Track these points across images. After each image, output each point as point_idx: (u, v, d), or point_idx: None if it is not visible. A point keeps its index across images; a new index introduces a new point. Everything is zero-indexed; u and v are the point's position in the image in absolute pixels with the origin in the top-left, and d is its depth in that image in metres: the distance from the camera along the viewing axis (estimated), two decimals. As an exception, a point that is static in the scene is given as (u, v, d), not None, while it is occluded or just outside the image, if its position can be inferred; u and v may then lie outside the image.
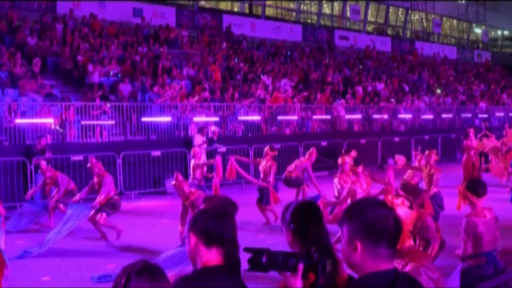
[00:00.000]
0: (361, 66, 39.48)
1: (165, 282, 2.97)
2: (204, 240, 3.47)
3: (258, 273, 3.13)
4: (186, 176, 20.86)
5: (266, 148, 15.67)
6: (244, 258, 3.24)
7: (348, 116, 28.95)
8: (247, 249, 3.15)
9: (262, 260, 3.07)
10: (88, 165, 13.85)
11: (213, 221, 3.52)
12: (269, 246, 3.25)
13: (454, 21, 60.20)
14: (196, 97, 24.08)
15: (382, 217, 2.97)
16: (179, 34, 31.35)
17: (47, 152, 17.87)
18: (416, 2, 53.32)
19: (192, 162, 16.28)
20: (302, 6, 46.67)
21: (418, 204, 9.94)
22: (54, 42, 24.98)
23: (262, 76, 29.97)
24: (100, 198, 13.05)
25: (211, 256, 3.46)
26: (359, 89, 33.33)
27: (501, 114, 38.09)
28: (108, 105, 21.67)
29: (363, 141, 27.15)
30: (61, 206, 14.98)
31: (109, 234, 13.26)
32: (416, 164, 14.46)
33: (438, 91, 39.83)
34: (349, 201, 10.89)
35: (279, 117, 25.95)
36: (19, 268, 10.59)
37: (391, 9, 53.07)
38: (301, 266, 3.02)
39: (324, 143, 25.36)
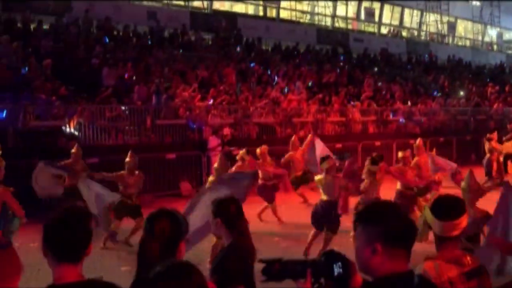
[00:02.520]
0: (376, 69, 39.30)
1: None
2: None
3: (273, 282, 3.09)
4: (200, 179, 20.88)
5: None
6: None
7: (362, 118, 28.79)
8: (260, 260, 3.12)
9: (275, 269, 3.03)
10: None
11: None
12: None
13: (469, 23, 59.89)
14: (211, 101, 23.99)
15: (401, 219, 3.00)
16: (193, 37, 31.30)
17: None
18: (431, 3, 53.10)
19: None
20: (316, 9, 46.53)
21: None
22: (69, 45, 24.96)
23: (276, 79, 29.86)
24: None
25: None
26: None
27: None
28: (123, 107, 21.65)
29: (378, 143, 26.98)
30: None
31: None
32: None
33: (462, 93, 39.50)
34: None
35: (294, 120, 25.83)
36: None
37: (406, 11, 52.87)
38: (309, 272, 2.96)
39: (339, 145, 25.21)
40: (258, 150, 16.43)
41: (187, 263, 2.85)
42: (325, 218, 11.83)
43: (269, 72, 30.56)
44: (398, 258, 2.96)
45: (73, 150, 15.25)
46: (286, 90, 28.53)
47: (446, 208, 4.11)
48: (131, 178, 13.72)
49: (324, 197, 12.04)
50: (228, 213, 5.21)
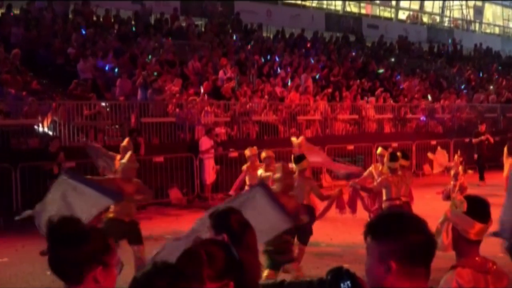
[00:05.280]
0: (392, 59, 39.30)
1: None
2: None
3: None
4: (192, 187, 20.85)
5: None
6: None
7: (377, 116, 28.73)
8: (263, 285, 3.11)
9: None
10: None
11: None
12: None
13: (498, 7, 59.88)
14: (206, 97, 23.92)
15: (419, 233, 2.95)
16: (184, 23, 31.29)
17: (60, 156, 17.84)
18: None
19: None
20: (325, -9, 46.54)
21: None
22: (43, 33, 24.92)
23: (279, 71, 29.84)
24: None
25: None
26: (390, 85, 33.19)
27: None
28: (104, 104, 21.58)
29: (395, 144, 26.88)
30: None
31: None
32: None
33: (491, 87, 39.43)
34: None
35: (299, 118, 25.74)
36: None
37: (427, -6, 52.97)
38: None
39: (350, 147, 25.14)
40: (263, 154, 14.56)
41: (172, 266, 2.90)
42: None
43: (271, 63, 30.52)
44: (416, 277, 2.92)
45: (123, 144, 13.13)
46: (290, 83, 28.47)
47: (486, 210, 4.30)
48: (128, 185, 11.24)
49: None
50: (231, 228, 5.06)
